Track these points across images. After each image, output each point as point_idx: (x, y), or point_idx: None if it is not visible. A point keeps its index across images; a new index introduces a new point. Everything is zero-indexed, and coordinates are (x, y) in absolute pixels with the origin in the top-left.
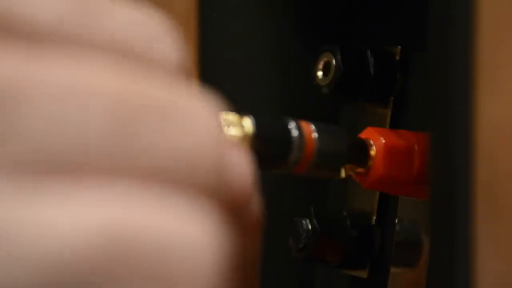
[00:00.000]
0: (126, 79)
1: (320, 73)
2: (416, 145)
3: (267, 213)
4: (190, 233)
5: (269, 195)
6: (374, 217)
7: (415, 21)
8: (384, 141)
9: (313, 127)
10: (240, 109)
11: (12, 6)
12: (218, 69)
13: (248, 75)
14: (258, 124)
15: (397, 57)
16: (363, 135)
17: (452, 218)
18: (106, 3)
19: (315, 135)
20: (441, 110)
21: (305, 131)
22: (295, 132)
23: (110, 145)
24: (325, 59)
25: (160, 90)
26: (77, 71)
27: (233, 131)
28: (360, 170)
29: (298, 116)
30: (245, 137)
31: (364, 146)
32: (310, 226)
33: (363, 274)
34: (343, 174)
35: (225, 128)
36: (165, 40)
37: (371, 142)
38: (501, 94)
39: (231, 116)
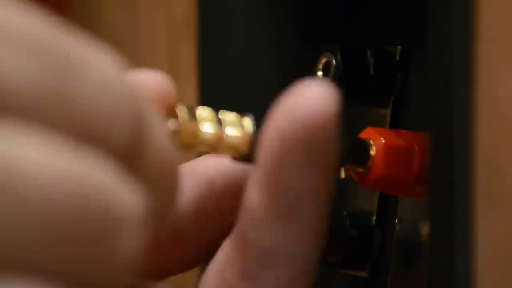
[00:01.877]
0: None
1: (320, 73)
2: (416, 145)
3: None
4: (106, 186)
5: None
6: (374, 217)
7: (415, 21)
8: (384, 141)
9: None
10: (240, 109)
11: None
12: (218, 69)
13: (248, 75)
14: (258, 124)
15: (397, 57)
16: (363, 135)
17: (451, 218)
18: (82, 65)
19: None
20: (441, 110)
21: None
22: None
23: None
24: (325, 59)
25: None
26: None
27: (233, 131)
28: (360, 170)
29: None
30: (245, 137)
31: (363, 146)
32: None
33: (363, 274)
34: (342, 174)
35: (225, 128)
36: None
37: (371, 142)
38: (501, 94)
39: (231, 116)
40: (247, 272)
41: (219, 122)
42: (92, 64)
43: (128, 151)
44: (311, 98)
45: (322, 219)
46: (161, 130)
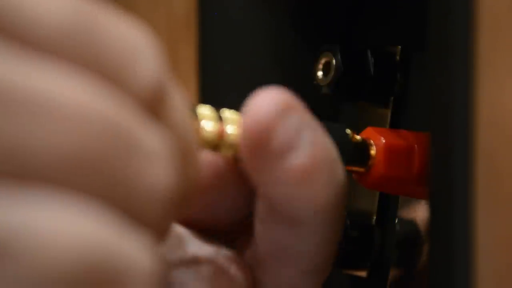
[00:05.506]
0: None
1: (320, 73)
2: (416, 145)
3: None
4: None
5: None
6: (374, 217)
7: (415, 21)
8: (384, 141)
9: None
10: (240, 109)
11: (17, 8)
12: (218, 69)
13: (248, 75)
14: None
15: (397, 57)
16: (363, 135)
17: (451, 218)
18: (104, 19)
19: None
20: (441, 110)
21: None
22: None
23: None
24: (325, 59)
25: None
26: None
27: (234, 129)
28: (360, 169)
29: None
30: None
31: (363, 146)
32: None
33: (363, 274)
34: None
35: (226, 126)
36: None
37: (371, 142)
38: (501, 94)
39: (232, 114)
40: (261, 261)
41: (220, 120)
42: (115, 20)
43: (153, 97)
44: (253, 109)
45: (327, 223)
46: (181, 103)
